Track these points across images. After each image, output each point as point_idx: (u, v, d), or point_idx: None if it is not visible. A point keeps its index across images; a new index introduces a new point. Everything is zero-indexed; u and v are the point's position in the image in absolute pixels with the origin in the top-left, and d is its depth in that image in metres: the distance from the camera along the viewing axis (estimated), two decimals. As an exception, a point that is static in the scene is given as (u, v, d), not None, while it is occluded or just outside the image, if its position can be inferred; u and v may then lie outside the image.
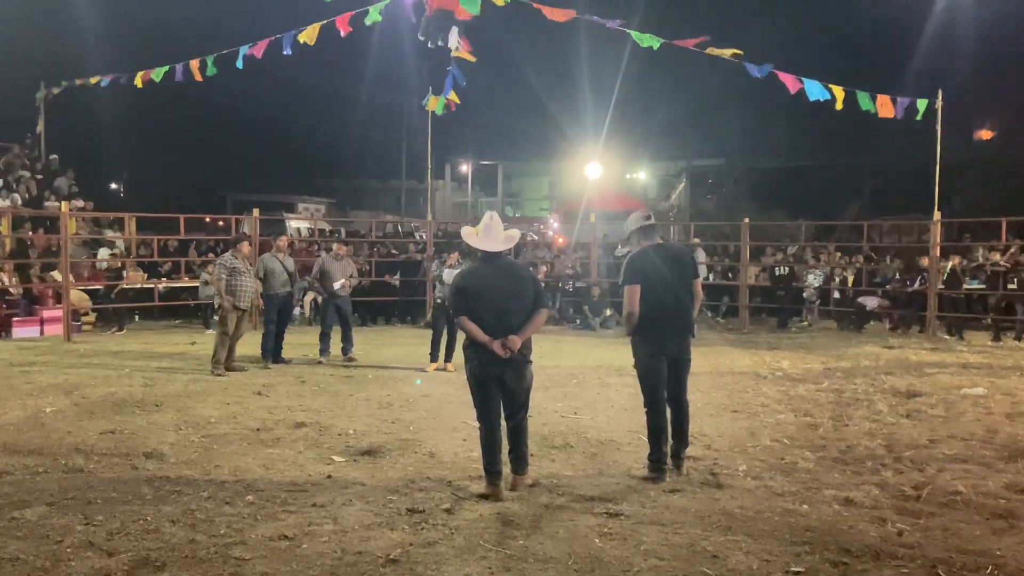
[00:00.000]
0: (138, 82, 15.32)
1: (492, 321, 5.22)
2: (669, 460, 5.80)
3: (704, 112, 36.68)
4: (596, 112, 30.81)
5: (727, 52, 11.59)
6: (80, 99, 16.04)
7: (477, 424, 5.43)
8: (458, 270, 8.99)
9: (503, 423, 5.43)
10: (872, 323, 15.90)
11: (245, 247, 10.47)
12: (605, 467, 6.06)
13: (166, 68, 14.83)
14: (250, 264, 10.67)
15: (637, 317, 5.71)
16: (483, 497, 5.23)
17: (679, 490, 5.46)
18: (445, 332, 10.46)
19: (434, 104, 14.41)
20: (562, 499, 5.26)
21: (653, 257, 5.80)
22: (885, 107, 12.38)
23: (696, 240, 18.21)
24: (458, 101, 14.14)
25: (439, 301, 10.41)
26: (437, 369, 10.38)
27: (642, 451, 6.06)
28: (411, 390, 9.03)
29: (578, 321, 16.06)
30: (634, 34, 11.93)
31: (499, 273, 5.33)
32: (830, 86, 12.04)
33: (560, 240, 20.93)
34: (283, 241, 11.35)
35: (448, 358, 10.46)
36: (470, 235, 5.41)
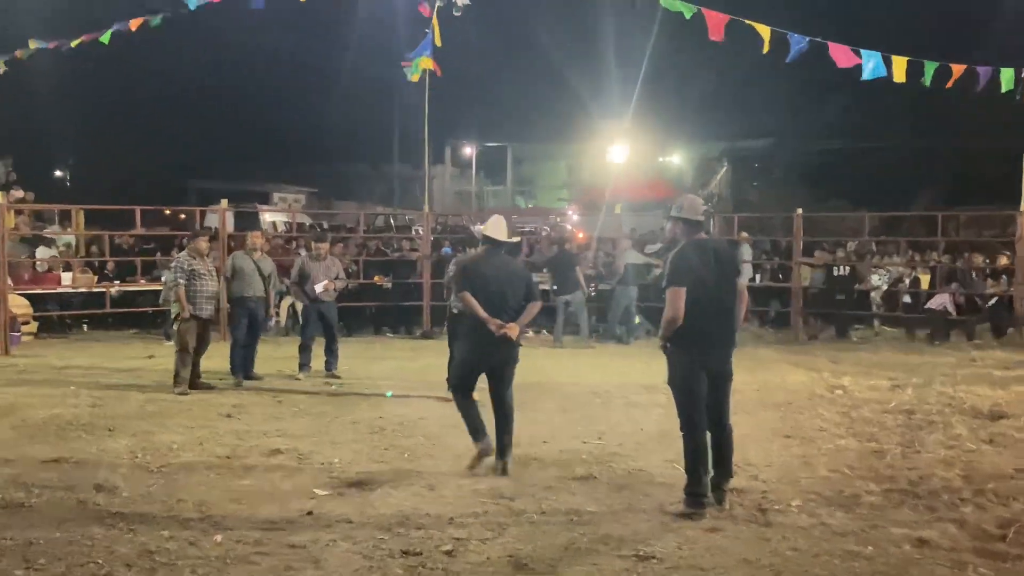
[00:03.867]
0: (73, 44, 15.14)
1: (489, 306, 6.61)
2: (710, 493, 5.79)
3: (749, 85, 36.66)
4: (623, 85, 30.80)
5: (763, 29, 11.62)
6: (16, 74, 16.10)
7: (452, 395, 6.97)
8: None
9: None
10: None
11: (202, 243, 10.46)
12: (634, 501, 6.04)
13: (110, 32, 14.72)
14: (213, 264, 10.70)
15: (681, 322, 5.72)
16: (478, 458, 6.70)
17: (721, 528, 5.44)
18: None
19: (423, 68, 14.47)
20: (584, 539, 5.26)
21: (697, 255, 5.81)
22: (961, 79, 12.31)
23: (744, 235, 18.16)
24: (435, 69, 14.12)
25: (456, 312, 9.43)
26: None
27: (678, 482, 6.05)
28: (406, 412, 9.04)
29: (601, 330, 16.04)
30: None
31: (499, 264, 6.90)
32: (892, 57, 12.00)
33: (580, 235, 20.91)
34: (258, 238, 11.37)
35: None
36: (487, 228, 6.94)
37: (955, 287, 15.69)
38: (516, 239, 6.85)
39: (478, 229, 6.79)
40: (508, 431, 6.77)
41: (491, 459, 6.70)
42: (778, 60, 12.14)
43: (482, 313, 6.56)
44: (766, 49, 11.87)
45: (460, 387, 6.85)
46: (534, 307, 6.87)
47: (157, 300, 15.65)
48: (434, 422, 8.56)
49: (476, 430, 6.74)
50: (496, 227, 6.97)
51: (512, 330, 6.58)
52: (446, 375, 10.00)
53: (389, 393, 9.01)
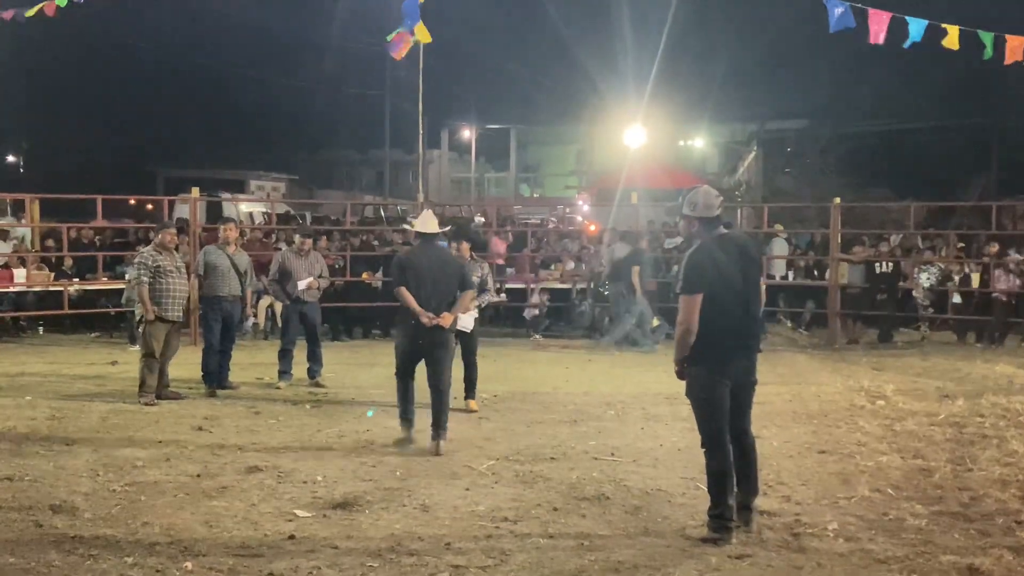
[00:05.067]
0: (29, 13, 14.97)
1: (424, 297, 7.95)
2: (735, 515, 5.79)
3: (781, 60, 36.67)
4: (639, 60, 30.78)
5: None
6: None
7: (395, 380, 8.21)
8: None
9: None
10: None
11: (168, 237, 10.45)
12: (651, 525, 6.05)
13: None
14: (182, 260, 10.70)
15: (695, 336, 5.71)
16: (399, 443, 8.02)
17: (749, 555, 5.45)
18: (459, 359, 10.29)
19: (404, 49, 14.49)
20: (596, 567, 5.26)
21: (718, 254, 5.80)
22: (1016, 52, 12.30)
23: (779, 227, 18.12)
24: (428, 39, 14.13)
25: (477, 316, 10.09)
26: (455, 409, 10.18)
27: (700, 504, 6.05)
28: (397, 424, 9.02)
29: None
30: None
31: (433, 256, 8.25)
32: (943, 25, 11.99)
33: (592, 227, 20.91)
34: (231, 231, 11.36)
35: (469, 394, 10.09)
36: (419, 224, 8.38)
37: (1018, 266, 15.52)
38: (446, 229, 8.57)
39: (409, 225, 8.46)
40: (443, 411, 8.07)
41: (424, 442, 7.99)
42: (813, 31, 12.14)
43: (415, 306, 7.94)
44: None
45: (400, 373, 8.21)
46: (467, 296, 8.47)
47: (120, 300, 15.69)
48: (427, 436, 8.56)
49: (406, 417, 8.20)
50: (426, 221, 8.41)
51: (445, 320, 7.99)
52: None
53: (371, 412, 9.00)
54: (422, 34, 14.78)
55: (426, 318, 7.90)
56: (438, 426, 8.02)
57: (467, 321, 9.56)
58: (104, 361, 13.13)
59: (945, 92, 31.52)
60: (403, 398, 8.20)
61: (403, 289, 7.99)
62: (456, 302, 8.21)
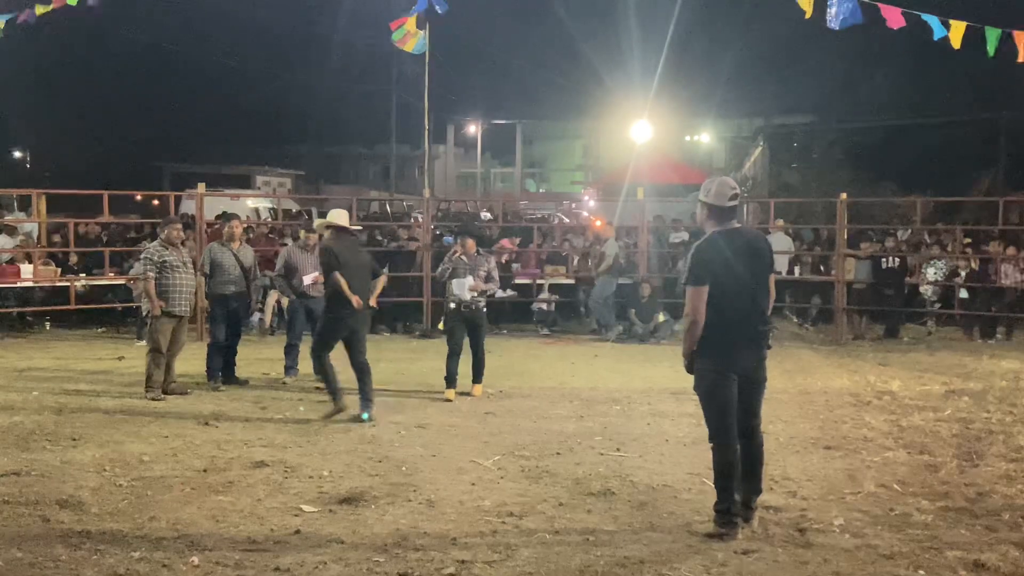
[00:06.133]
0: (41, 11, 15.05)
1: (351, 284, 8.98)
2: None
3: (788, 54, 36.59)
4: (645, 55, 30.79)
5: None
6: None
7: (320, 359, 9.10)
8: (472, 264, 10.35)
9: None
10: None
11: (175, 232, 10.46)
12: (657, 520, 6.05)
13: None
14: (189, 255, 10.71)
15: (702, 328, 5.71)
16: (331, 414, 8.89)
17: (755, 550, 5.44)
18: (465, 345, 10.39)
19: (410, 39, 14.49)
20: (601, 562, 5.26)
21: (725, 247, 5.79)
22: None
23: (780, 223, 18.12)
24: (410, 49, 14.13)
25: (454, 306, 10.29)
26: (461, 393, 10.30)
27: (706, 499, 6.05)
28: (403, 420, 9.07)
29: (621, 329, 16.04)
30: None
31: (351, 247, 9.46)
32: (949, 21, 11.96)
33: (597, 223, 20.90)
34: (236, 227, 11.37)
35: (477, 379, 10.40)
36: (332, 217, 9.54)
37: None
38: (358, 227, 9.97)
39: (320, 222, 9.93)
40: (368, 383, 9.12)
41: (348, 412, 8.97)
42: (820, 26, 12.11)
43: (348, 291, 8.94)
44: (808, 14, 11.82)
45: (322, 350, 9.14)
46: (381, 281, 9.72)
47: (126, 295, 15.72)
48: (434, 431, 8.59)
49: (335, 391, 9.01)
50: (340, 216, 9.56)
51: (373, 302, 9.41)
52: (444, 374, 10.36)
53: (365, 416, 9.00)
54: (412, 41, 14.78)
55: (356, 301, 8.99)
56: (368, 398, 9.06)
57: (464, 290, 10.16)
58: (111, 356, 13.16)
59: (952, 86, 31.45)
60: (328, 376, 9.09)
61: (339, 276, 8.97)
62: (375, 287, 9.53)
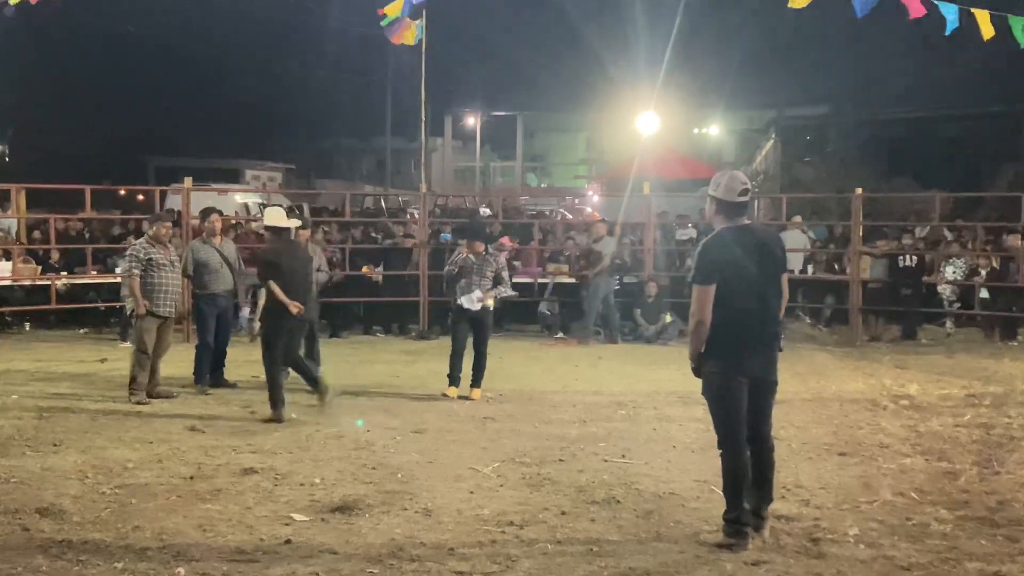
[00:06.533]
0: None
1: (292, 288, 9.35)
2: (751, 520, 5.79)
3: (801, 43, 36.56)
4: (652, 43, 30.73)
5: None
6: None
7: (270, 366, 9.34)
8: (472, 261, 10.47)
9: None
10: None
11: (164, 230, 10.46)
12: (664, 530, 6.05)
13: None
14: (176, 253, 10.71)
15: (708, 329, 5.71)
16: (270, 421, 9.03)
17: (766, 561, 5.45)
18: (469, 346, 10.49)
19: (406, 33, 14.49)
20: (605, 573, 5.27)
21: (734, 245, 5.79)
22: None
23: (797, 219, 18.11)
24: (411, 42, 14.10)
25: (458, 305, 10.46)
26: (460, 397, 10.37)
27: (715, 508, 6.06)
28: (398, 424, 9.06)
29: (626, 330, 16.05)
30: None
31: (291, 249, 9.80)
32: (973, 11, 11.95)
33: (601, 219, 20.92)
34: (216, 221, 11.31)
35: (476, 382, 10.46)
36: (268, 218, 9.91)
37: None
38: (296, 224, 10.15)
39: (270, 212, 10.12)
40: (307, 376, 9.74)
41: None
42: (835, 13, 12.11)
43: (284, 298, 9.29)
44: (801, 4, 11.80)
45: (274, 360, 9.38)
46: (320, 276, 10.74)
47: (109, 294, 15.70)
48: (430, 437, 8.59)
49: (278, 401, 9.19)
50: (277, 217, 9.80)
51: (302, 309, 9.49)
52: (447, 371, 10.51)
53: (360, 422, 9.01)
54: (409, 34, 14.79)
55: (295, 308, 9.29)
56: (320, 387, 9.62)
57: (474, 303, 10.20)
58: (93, 358, 13.16)
59: (972, 78, 31.37)
60: (275, 384, 9.30)
61: (275, 284, 9.31)
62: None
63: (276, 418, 9.09)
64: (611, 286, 15.70)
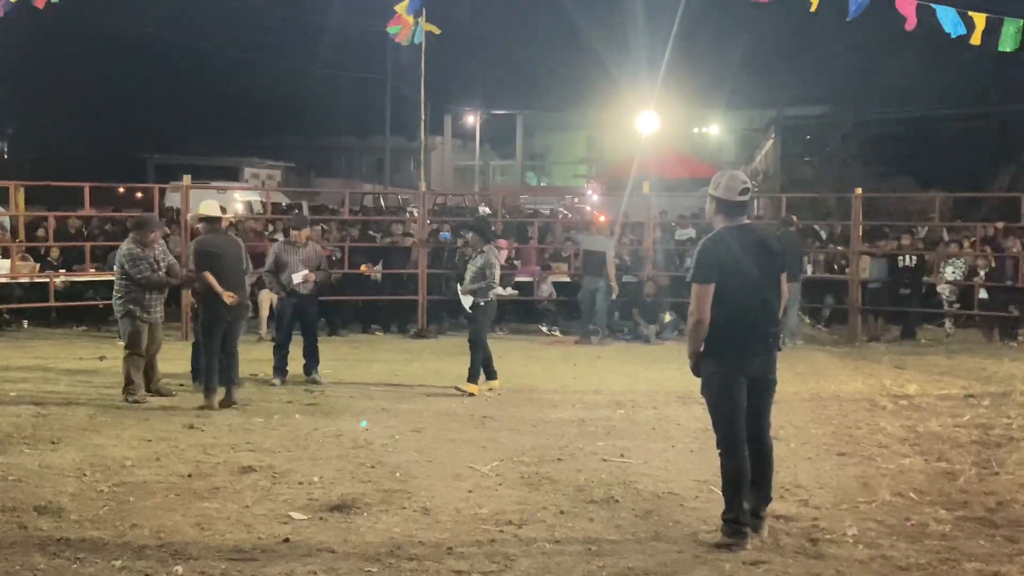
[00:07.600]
0: None
1: (225, 278, 9.65)
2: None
3: (801, 43, 36.58)
4: (652, 43, 30.77)
5: None
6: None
7: (206, 356, 9.74)
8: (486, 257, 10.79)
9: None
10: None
11: (154, 237, 10.34)
12: (663, 529, 6.05)
13: None
14: (164, 255, 10.62)
15: (707, 327, 5.71)
16: (203, 408, 9.40)
17: (765, 561, 5.45)
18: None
19: (406, 32, 14.47)
20: (604, 572, 5.27)
21: (733, 244, 5.79)
22: None
23: (795, 218, 18.13)
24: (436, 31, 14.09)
25: (484, 303, 10.75)
26: (456, 389, 10.59)
27: (714, 507, 6.06)
28: (396, 424, 9.06)
29: (626, 330, 16.05)
30: None
31: (224, 240, 10.17)
32: (970, 14, 11.94)
33: (601, 218, 20.92)
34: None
35: (471, 378, 10.68)
36: (204, 209, 10.13)
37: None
38: (225, 214, 10.65)
39: (204, 204, 10.28)
40: (235, 369, 9.87)
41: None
42: (834, 13, 12.09)
43: (218, 287, 9.56)
44: (814, 7, 11.81)
45: (207, 344, 9.73)
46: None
47: (107, 292, 15.65)
48: (428, 435, 8.58)
49: (212, 389, 9.59)
50: (211, 208, 10.09)
51: (237, 299, 9.76)
52: (465, 370, 10.70)
53: (364, 423, 9.01)
54: (430, 27, 14.80)
55: (228, 297, 9.60)
56: (232, 381, 9.75)
57: (465, 301, 10.66)
58: (92, 356, 13.15)
59: (972, 78, 31.40)
60: (211, 369, 9.66)
61: (209, 275, 9.60)
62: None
63: (208, 405, 9.49)
64: (597, 284, 15.57)
